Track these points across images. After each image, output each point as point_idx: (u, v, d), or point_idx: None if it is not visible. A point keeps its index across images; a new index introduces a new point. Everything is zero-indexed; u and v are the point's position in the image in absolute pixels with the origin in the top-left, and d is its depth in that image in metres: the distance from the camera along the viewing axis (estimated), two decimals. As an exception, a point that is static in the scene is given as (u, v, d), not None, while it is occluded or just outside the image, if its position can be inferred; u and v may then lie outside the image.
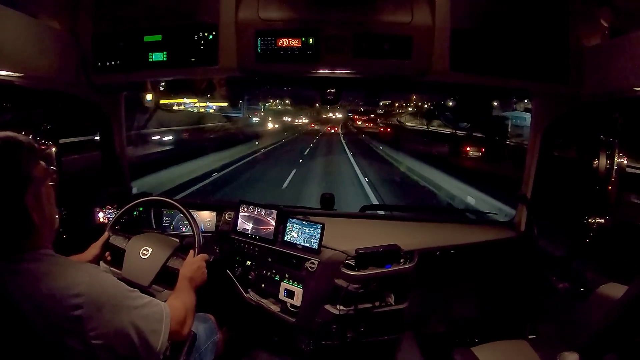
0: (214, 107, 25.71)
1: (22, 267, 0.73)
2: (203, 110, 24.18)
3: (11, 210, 0.73)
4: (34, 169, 0.77)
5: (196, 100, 21.99)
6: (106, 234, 1.41)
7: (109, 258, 1.40)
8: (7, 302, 0.70)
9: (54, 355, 0.72)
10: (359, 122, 46.57)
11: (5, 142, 0.73)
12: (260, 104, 39.81)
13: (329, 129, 38.42)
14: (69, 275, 0.75)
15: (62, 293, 0.72)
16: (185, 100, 20.41)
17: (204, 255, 1.37)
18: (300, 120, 44.66)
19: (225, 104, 25.74)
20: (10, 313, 0.70)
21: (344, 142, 23.72)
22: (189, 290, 1.16)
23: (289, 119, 41.84)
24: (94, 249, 1.36)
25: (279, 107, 48.80)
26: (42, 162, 0.79)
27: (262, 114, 38.77)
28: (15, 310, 0.70)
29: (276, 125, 32.94)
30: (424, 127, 29.40)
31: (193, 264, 1.29)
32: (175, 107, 18.80)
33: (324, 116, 51.84)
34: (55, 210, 0.84)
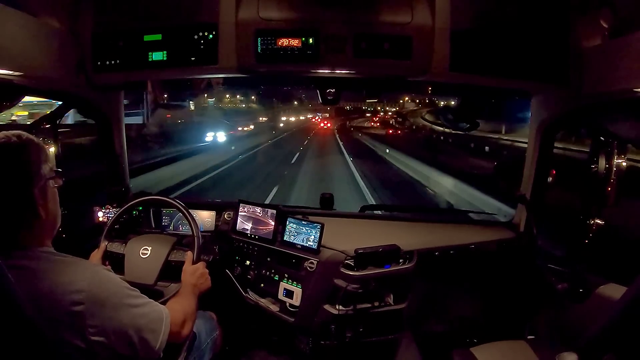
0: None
1: (22, 263, 0.75)
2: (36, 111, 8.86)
3: (20, 199, 0.78)
4: (42, 167, 0.82)
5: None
6: (103, 244, 1.40)
7: (108, 267, 1.39)
8: (3, 298, 0.70)
9: (51, 354, 0.72)
10: (374, 123, 36.94)
11: (18, 138, 0.79)
12: (189, 97, 18.18)
13: (322, 124, 36.41)
14: (71, 271, 0.77)
15: (63, 289, 0.73)
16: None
17: (203, 263, 1.37)
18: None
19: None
20: (7, 310, 0.70)
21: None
22: (190, 297, 1.17)
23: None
24: (94, 260, 1.35)
25: (243, 104, 32.47)
26: (49, 163, 0.86)
27: (192, 115, 19.83)
28: (11, 307, 0.70)
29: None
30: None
31: (196, 271, 1.29)
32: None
33: (301, 118, 43.11)
34: (58, 209, 0.89)
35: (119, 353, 0.79)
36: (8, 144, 0.77)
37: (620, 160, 1.51)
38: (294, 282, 1.65)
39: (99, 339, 0.75)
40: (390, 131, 26.32)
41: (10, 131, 0.80)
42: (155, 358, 0.86)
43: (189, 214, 1.48)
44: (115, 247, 1.41)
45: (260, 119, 30.14)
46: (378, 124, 35.64)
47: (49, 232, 0.85)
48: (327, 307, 1.60)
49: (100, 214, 1.91)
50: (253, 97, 32.81)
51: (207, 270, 1.34)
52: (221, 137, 17.77)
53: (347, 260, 1.59)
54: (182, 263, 1.32)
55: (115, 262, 1.38)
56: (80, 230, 1.87)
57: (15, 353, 0.70)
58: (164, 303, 0.98)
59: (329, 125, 36.42)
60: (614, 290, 1.33)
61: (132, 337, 0.80)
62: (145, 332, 0.82)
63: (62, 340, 0.72)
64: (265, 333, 1.89)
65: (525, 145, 1.88)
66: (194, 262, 1.33)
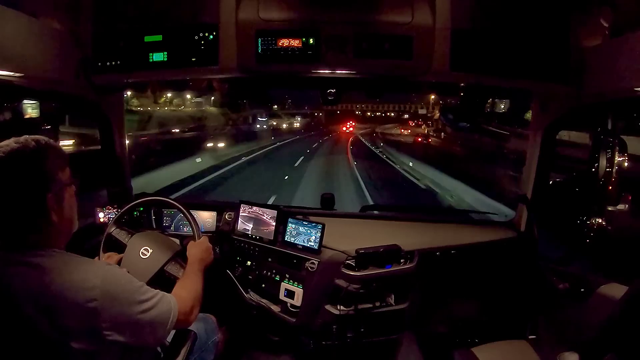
0: None
1: (32, 260, 0.76)
2: None
3: (32, 204, 0.77)
4: (59, 172, 0.82)
5: None
6: (110, 228, 1.41)
7: (110, 255, 1.38)
8: (9, 294, 0.71)
9: (54, 352, 0.73)
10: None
11: (36, 143, 0.79)
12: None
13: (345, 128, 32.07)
14: (83, 270, 0.79)
15: (77, 286, 0.75)
16: None
17: (206, 237, 1.41)
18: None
19: None
20: (12, 306, 0.71)
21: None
22: (198, 275, 1.19)
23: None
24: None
25: (216, 107, 20.16)
26: (68, 169, 0.85)
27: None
28: (17, 305, 0.71)
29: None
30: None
31: (202, 245, 1.33)
32: None
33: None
34: (75, 214, 0.89)
35: (129, 345, 0.81)
36: (24, 149, 0.77)
37: (621, 159, 1.51)
38: (295, 283, 1.65)
39: (112, 333, 0.77)
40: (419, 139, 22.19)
41: (31, 135, 0.80)
42: (161, 344, 0.90)
43: (190, 214, 1.48)
44: (121, 236, 1.40)
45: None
46: (408, 131, 27.59)
47: (63, 236, 0.86)
48: (328, 307, 1.60)
49: (101, 214, 1.92)
50: (212, 98, 20.38)
51: (211, 245, 1.38)
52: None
53: (348, 260, 1.59)
54: (175, 278, 1.28)
55: (115, 247, 1.38)
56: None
57: (13, 351, 0.70)
58: None
59: (351, 129, 32.86)
60: (614, 290, 1.32)
61: (143, 329, 0.83)
62: (155, 324, 0.86)
63: (75, 336, 0.73)
64: (267, 333, 1.89)
65: None
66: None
